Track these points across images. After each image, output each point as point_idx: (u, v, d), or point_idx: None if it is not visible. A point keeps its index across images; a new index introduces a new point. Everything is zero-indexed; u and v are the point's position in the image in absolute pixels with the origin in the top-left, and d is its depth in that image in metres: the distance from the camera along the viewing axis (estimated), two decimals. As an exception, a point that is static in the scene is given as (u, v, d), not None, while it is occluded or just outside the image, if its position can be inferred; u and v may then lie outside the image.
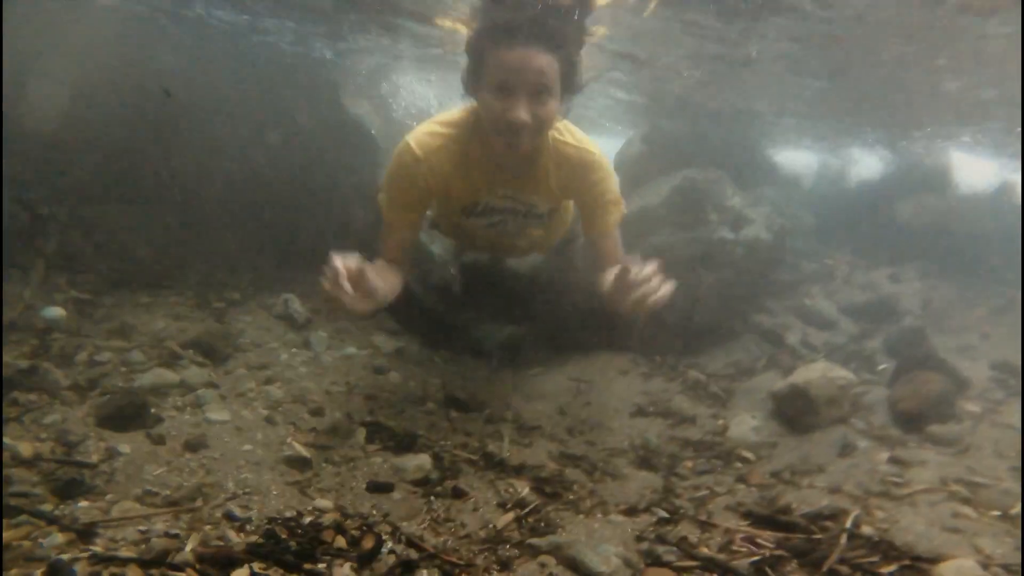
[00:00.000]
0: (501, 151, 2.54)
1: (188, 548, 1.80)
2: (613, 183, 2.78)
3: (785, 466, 2.78)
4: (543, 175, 2.76)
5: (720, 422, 3.32)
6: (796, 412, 3.16)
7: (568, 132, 2.75)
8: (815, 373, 3.17)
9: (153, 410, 2.73)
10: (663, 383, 3.78)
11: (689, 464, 2.84)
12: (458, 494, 2.37)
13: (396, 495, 2.36)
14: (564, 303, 4.37)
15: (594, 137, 2.89)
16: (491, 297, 4.67)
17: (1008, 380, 3.78)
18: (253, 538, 1.96)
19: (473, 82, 2.50)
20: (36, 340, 3.25)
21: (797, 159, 9.01)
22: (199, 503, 2.13)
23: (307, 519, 2.09)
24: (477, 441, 2.89)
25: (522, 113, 2.32)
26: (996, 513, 2.40)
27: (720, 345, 4.36)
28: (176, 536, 1.88)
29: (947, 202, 6.00)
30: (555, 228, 3.33)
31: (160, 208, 5.16)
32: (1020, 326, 4.51)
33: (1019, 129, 5.51)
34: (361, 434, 2.83)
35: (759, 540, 2.09)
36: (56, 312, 3.56)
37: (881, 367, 4.06)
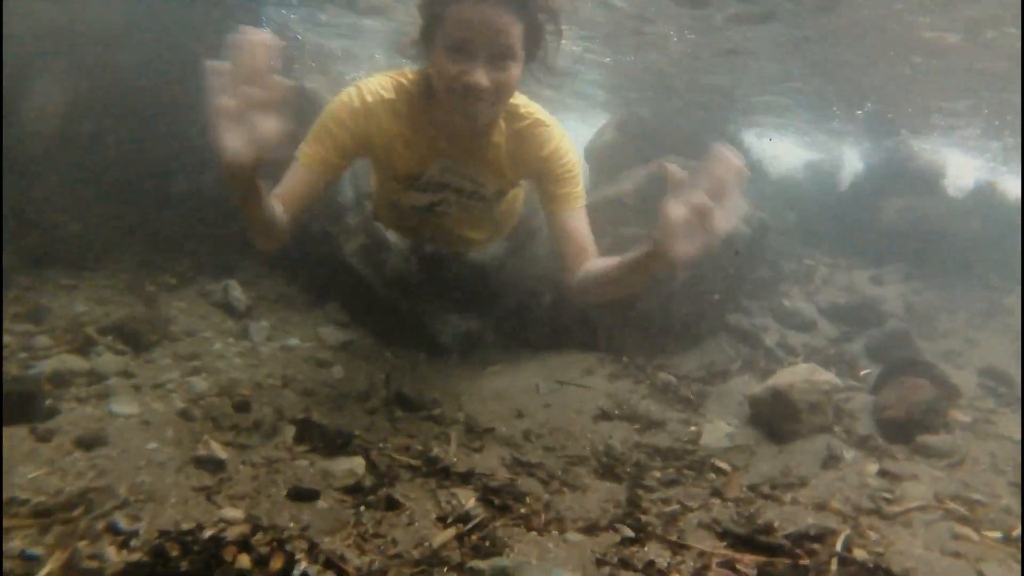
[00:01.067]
0: (455, 120, 2.26)
1: (44, 572, 1.46)
2: (573, 156, 2.48)
3: (764, 478, 2.50)
4: (495, 150, 2.48)
5: (692, 428, 3.04)
6: (776, 418, 2.88)
7: (523, 104, 2.47)
8: (798, 376, 2.90)
9: (49, 401, 2.38)
10: (630, 385, 3.48)
11: (657, 474, 2.54)
12: (392, 505, 2.05)
13: (321, 504, 2.04)
14: (527, 297, 4.08)
15: (562, 122, 2.59)
16: (451, 289, 4.37)
17: (998, 388, 3.56)
18: (136, 556, 1.63)
19: (427, 43, 2.19)
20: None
21: (783, 154, 8.79)
22: (78, 512, 1.78)
23: (208, 532, 1.76)
24: (421, 444, 2.57)
25: (481, 77, 2.04)
26: (997, 535, 2.15)
27: (693, 345, 4.09)
28: (34, 558, 1.53)
29: (931, 203, 5.80)
30: (504, 218, 3.04)
31: (100, 186, 4.78)
32: (1011, 331, 4.30)
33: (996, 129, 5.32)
34: (289, 433, 2.51)
35: (738, 565, 1.80)
36: (-49, 291, 3.19)
37: (864, 372, 3.82)
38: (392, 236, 4.54)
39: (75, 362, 2.74)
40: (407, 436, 2.65)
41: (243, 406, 2.65)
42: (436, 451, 2.49)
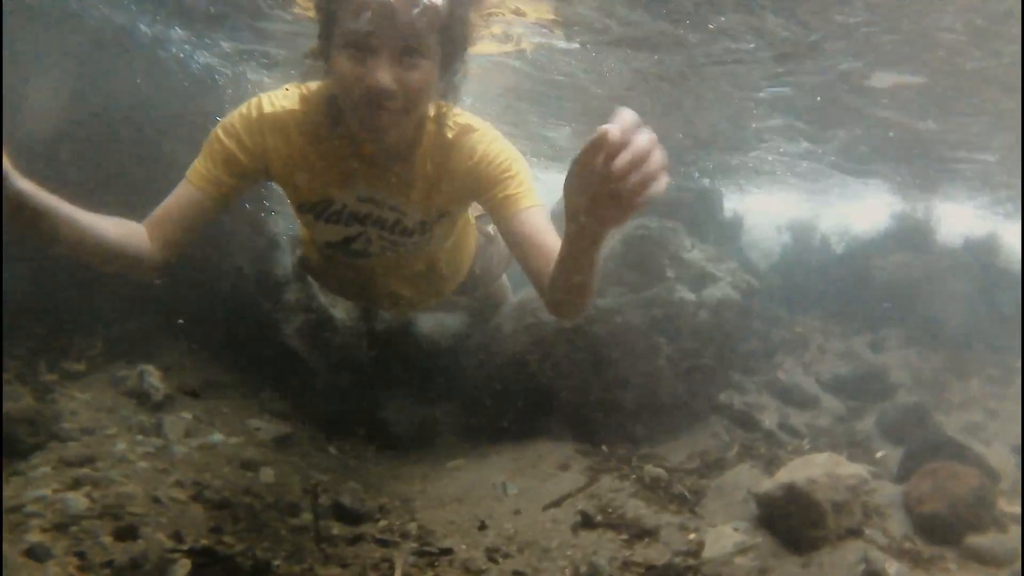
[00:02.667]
0: (360, 133, 1.83)
1: None
2: (510, 155, 1.99)
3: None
4: (418, 171, 2.02)
5: (691, 536, 2.50)
6: (795, 522, 2.36)
7: (451, 113, 2.01)
8: (817, 469, 2.40)
9: None
10: (614, 482, 2.95)
11: (657, 606, 2.00)
12: None
13: None
14: (492, 379, 3.56)
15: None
16: (405, 371, 3.86)
17: (1039, 470, 3.08)
18: None
19: (324, 48, 1.78)
20: None
21: (761, 210, 8.43)
22: None
23: None
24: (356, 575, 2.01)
25: (384, 76, 1.65)
26: None
27: (682, 430, 3.57)
28: None
29: (926, 259, 5.43)
30: (444, 268, 2.53)
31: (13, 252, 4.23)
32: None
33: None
34: (182, 571, 1.93)
35: None
36: None
37: (880, 454, 3.33)
38: (339, 313, 4.04)
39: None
40: (339, 566, 2.09)
41: (126, 532, 2.08)
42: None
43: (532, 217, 1.90)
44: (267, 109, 1.93)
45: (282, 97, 1.97)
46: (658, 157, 1.12)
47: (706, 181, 6.99)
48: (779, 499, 2.42)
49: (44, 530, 2.04)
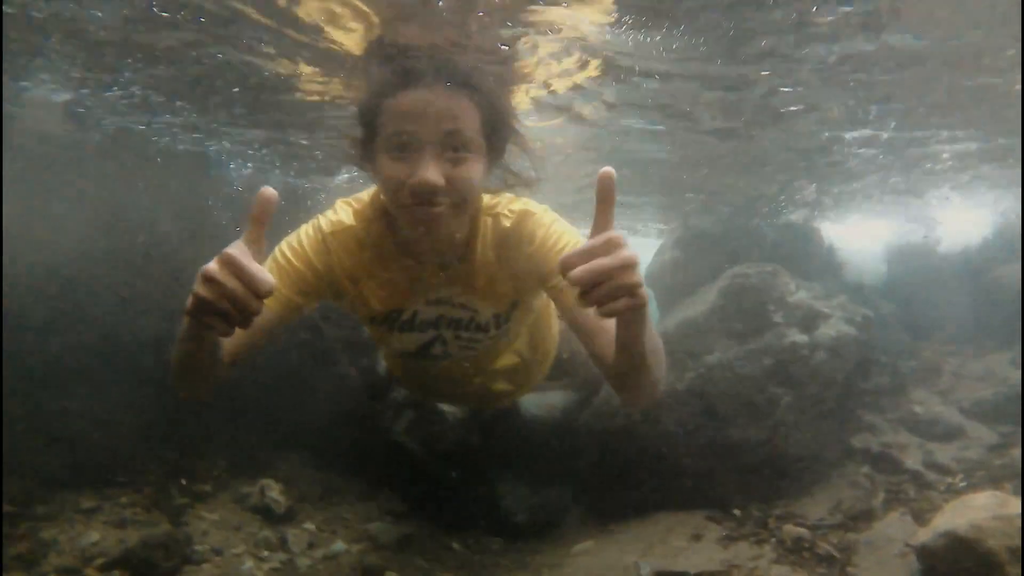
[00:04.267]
0: (412, 234, 1.82)
1: None
2: (570, 238, 1.92)
3: None
4: (479, 264, 1.99)
5: (849, 601, 2.29)
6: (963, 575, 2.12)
7: (504, 201, 2.01)
8: (980, 511, 2.16)
9: None
10: (752, 548, 2.75)
11: None
12: None
13: None
14: (604, 453, 3.43)
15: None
16: (516, 456, 3.78)
17: None
18: None
19: (368, 152, 1.80)
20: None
21: (857, 235, 8.00)
22: None
23: None
24: None
25: (430, 173, 1.63)
26: None
27: (816, 482, 3.32)
28: None
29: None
30: (528, 352, 2.45)
31: (131, 386, 4.45)
32: None
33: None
34: None
35: None
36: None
37: (1049, 485, 2.99)
38: (446, 406, 4.03)
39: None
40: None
41: (258, 657, 2.06)
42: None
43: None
44: (328, 228, 1.96)
45: (338, 213, 2.00)
46: (626, 277, 1.22)
47: (799, 218, 6.75)
48: (940, 551, 2.18)
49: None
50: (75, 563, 2.68)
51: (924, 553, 2.27)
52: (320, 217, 2.01)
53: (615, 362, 1.60)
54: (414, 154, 1.65)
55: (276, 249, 1.95)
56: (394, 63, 1.78)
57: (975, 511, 2.18)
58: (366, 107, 1.78)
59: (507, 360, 2.38)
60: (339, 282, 2.00)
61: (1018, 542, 2.09)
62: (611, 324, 1.70)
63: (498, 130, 1.79)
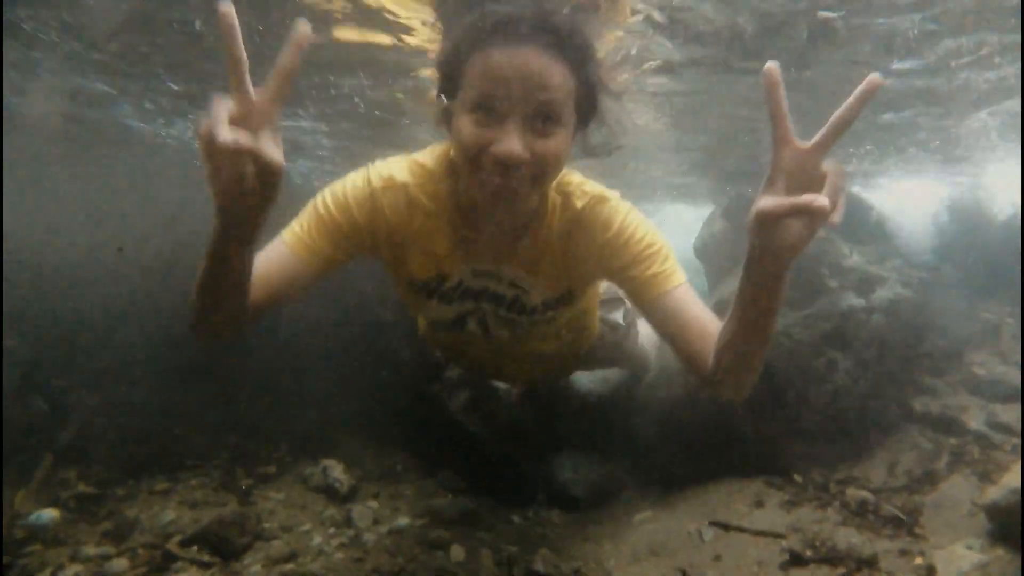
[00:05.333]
0: (482, 204, 1.68)
1: None
2: (650, 230, 1.82)
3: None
4: (543, 244, 1.87)
5: (918, 560, 2.28)
6: (1037, 531, 2.10)
7: (577, 182, 1.88)
8: (1051, 468, 2.13)
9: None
10: (815, 512, 2.75)
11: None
12: None
13: None
14: (662, 423, 3.44)
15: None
16: (573, 430, 3.81)
17: None
18: None
19: (446, 107, 1.66)
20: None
21: (912, 197, 7.79)
22: None
23: None
24: (562, 645, 1.96)
25: (516, 144, 1.49)
26: None
27: (878, 446, 3.30)
28: None
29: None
30: (566, 338, 2.33)
31: (194, 375, 4.61)
32: None
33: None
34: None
35: None
36: (48, 516, 2.95)
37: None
38: (500, 384, 4.07)
39: (149, 588, 2.34)
40: (543, 635, 2.05)
41: (338, 622, 2.13)
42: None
43: (681, 295, 1.75)
44: (377, 182, 1.83)
45: (391, 168, 1.87)
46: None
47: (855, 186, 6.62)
48: (1012, 507, 2.16)
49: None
50: (157, 540, 2.79)
51: (994, 511, 2.25)
52: (371, 168, 1.87)
53: (737, 343, 1.51)
54: (500, 120, 1.51)
55: (318, 195, 1.83)
56: (486, 7, 1.57)
57: (1046, 466, 2.15)
58: (449, 56, 1.62)
59: (542, 346, 2.28)
60: (380, 241, 1.87)
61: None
62: (708, 317, 1.71)
63: (592, 101, 1.65)
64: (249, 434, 4.13)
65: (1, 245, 3.53)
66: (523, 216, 1.82)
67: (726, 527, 2.72)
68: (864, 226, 4.74)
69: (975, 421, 3.37)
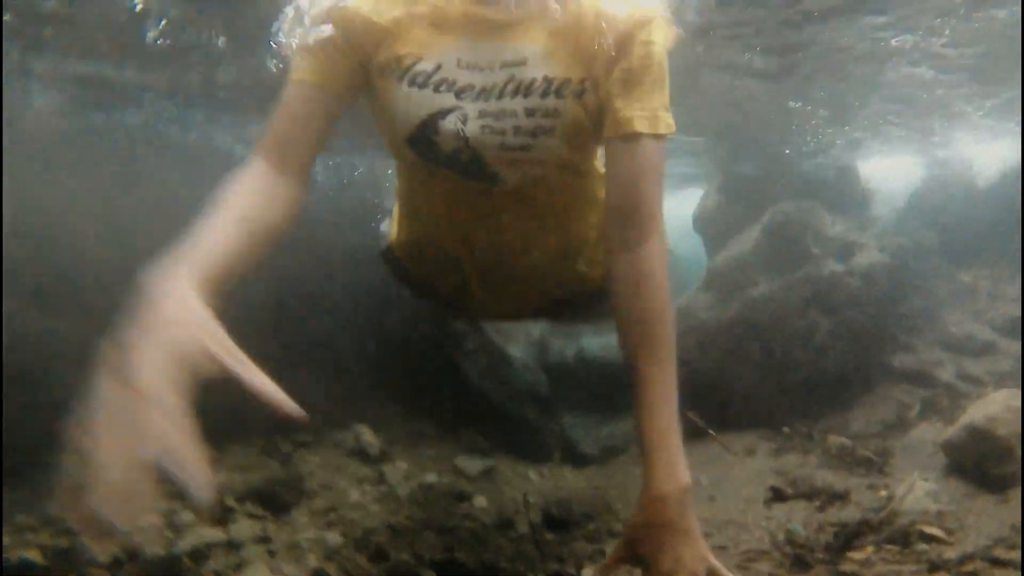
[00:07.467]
0: None
1: None
2: (661, 49, 1.38)
3: (992, 539, 2.07)
4: (552, 16, 1.39)
5: (882, 492, 2.61)
6: (983, 463, 2.43)
7: None
8: (995, 406, 2.45)
9: (187, 578, 2.31)
10: (799, 457, 3.09)
11: (857, 556, 2.15)
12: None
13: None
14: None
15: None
16: (584, 393, 4.15)
17: None
18: None
19: None
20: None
21: (893, 169, 8.04)
22: None
23: None
24: (574, 567, 2.31)
25: None
26: None
27: (857, 399, 3.63)
28: None
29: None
30: (561, 219, 1.72)
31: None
32: None
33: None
34: (430, 577, 2.31)
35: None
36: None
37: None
38: (516, 351, 4.39)
39: (211, 534, 2.69)
40: (556, 560, 2.39)
41: (380, 556, 2.48)
42: (592, 571, 2.22)
43: (630, 151, 1.37)
44: None
45: None
46: None
47: (836, 156, 6.89)
48: (962, 443, 2.49)
49: (317, 559, 2.49)
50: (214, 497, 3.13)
51: (948, 447, 2.58)
52: None
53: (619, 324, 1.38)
54: None
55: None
56: None
57: (991, 405, 2.47)
58: None
59: (533, 226, 1.68)
60: (373, 38, 1.44)
61: (1026, 429, 2.39)
62: (624, 195, 1.39)
63: None
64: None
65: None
66: None
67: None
68: (849, 195, 5.02)
69: (947, 374, 3.68)
